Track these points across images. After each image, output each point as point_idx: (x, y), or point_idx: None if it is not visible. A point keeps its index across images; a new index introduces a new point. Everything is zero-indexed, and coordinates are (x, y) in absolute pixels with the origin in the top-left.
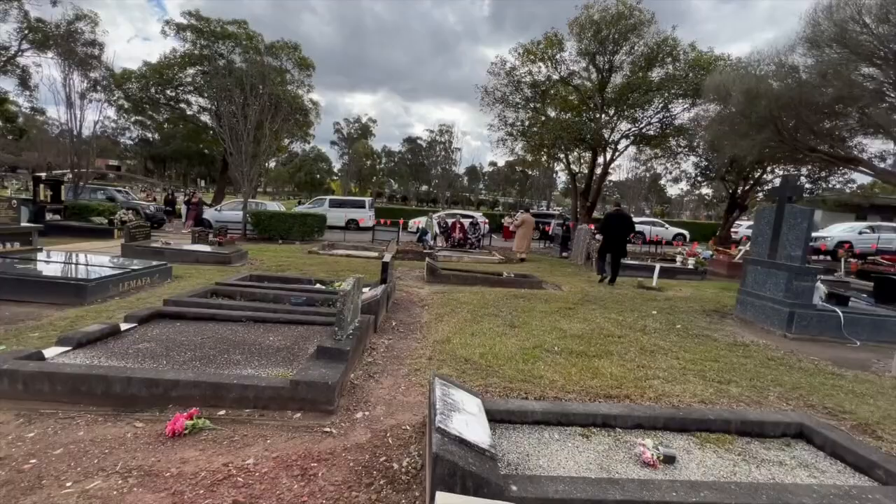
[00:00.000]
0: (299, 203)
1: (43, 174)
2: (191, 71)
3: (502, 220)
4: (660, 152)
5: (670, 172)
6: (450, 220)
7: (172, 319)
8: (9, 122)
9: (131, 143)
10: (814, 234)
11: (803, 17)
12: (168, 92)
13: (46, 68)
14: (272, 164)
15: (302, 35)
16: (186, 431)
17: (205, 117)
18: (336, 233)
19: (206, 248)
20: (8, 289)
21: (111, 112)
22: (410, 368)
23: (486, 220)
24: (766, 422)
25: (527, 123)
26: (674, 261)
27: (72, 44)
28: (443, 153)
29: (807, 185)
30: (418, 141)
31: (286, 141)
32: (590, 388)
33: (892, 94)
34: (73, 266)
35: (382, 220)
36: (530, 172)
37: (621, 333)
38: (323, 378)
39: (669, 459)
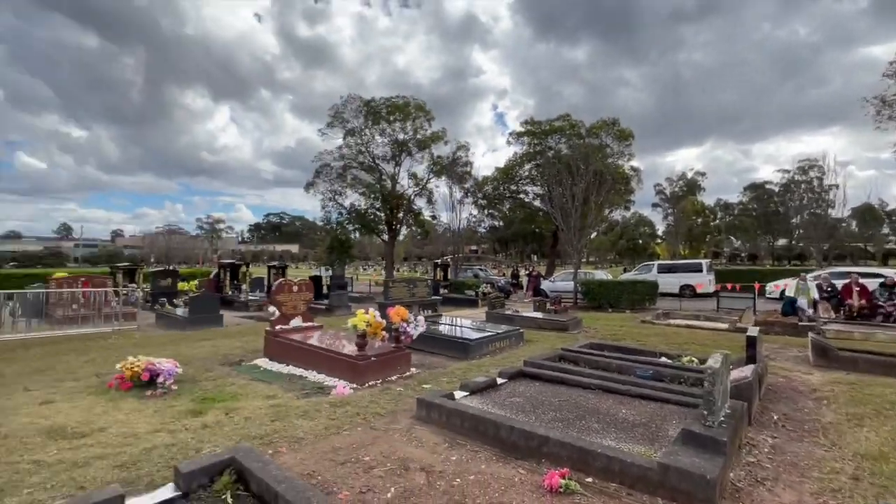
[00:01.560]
0: (625, 270)
1: (438, 260)
2: (527, 166)
3: None
4: None
5: None
6: (839, 282)
7: (532, 379)
8: (420, 227)
9: (484, 230)
10: None
11: None
12: (511, 187)
13: (442, 187)
14: (593, 234)
15: (617, 109)
16: (561, 490)
17: (537, 202)
18: (667, 300)
19: (545, 315)
20: (426, 343)
21: (474, 210)
22: (822, 486)
23: None
24: None
25: None
26: None
27: (454, 168)
28: (808, 195)
29: None
30: (766, 186)
31: (607, 211)
32: None
33: None
34: (458, 328)
35: (728, 285)
36: None
37: None
38: (698, 469)
39: None
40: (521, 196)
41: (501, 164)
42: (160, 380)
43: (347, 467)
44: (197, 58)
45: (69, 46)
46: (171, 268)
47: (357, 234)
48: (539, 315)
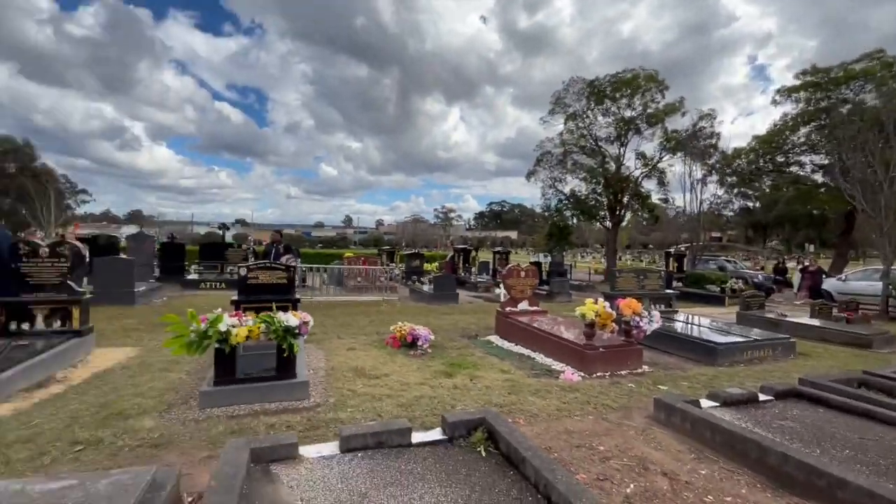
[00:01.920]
0: None
1: (671, 249)
2: (803, 131)
3: None
4: None
5: None
6: None
7: (811, 402)
8: (648, 212)
9: (732, 214)
10: None
11: None
12: (777, 158)
13: (676, 165)
14: None
15: None
16: None
17: (818, 176)
18: None
19: (829, 324)
20: (659, 341)
21: (719, 190)
22: None
23: None
24: None
25: None
26: None
27: (695, 141)
28: None
29: None
30: None
31: None
32: None
33: None
34: (699, 328)
35: None
36: None
37: None
38: None
39: None
40: (792, 169)
41: (761, 132)
42: (419, 343)
43: (582, 451)
44: (434, 68)
45: (349, 79)
46: (418, 251)
47: (576, 221)
48: (819, 323)
